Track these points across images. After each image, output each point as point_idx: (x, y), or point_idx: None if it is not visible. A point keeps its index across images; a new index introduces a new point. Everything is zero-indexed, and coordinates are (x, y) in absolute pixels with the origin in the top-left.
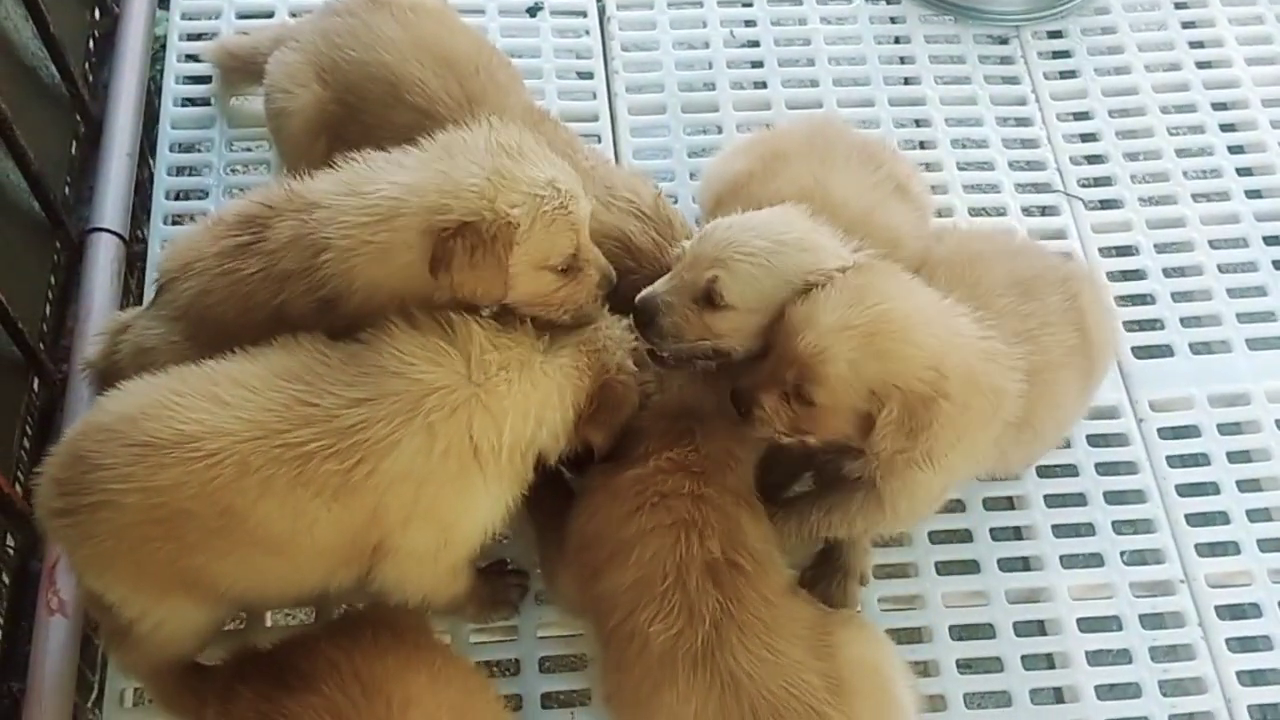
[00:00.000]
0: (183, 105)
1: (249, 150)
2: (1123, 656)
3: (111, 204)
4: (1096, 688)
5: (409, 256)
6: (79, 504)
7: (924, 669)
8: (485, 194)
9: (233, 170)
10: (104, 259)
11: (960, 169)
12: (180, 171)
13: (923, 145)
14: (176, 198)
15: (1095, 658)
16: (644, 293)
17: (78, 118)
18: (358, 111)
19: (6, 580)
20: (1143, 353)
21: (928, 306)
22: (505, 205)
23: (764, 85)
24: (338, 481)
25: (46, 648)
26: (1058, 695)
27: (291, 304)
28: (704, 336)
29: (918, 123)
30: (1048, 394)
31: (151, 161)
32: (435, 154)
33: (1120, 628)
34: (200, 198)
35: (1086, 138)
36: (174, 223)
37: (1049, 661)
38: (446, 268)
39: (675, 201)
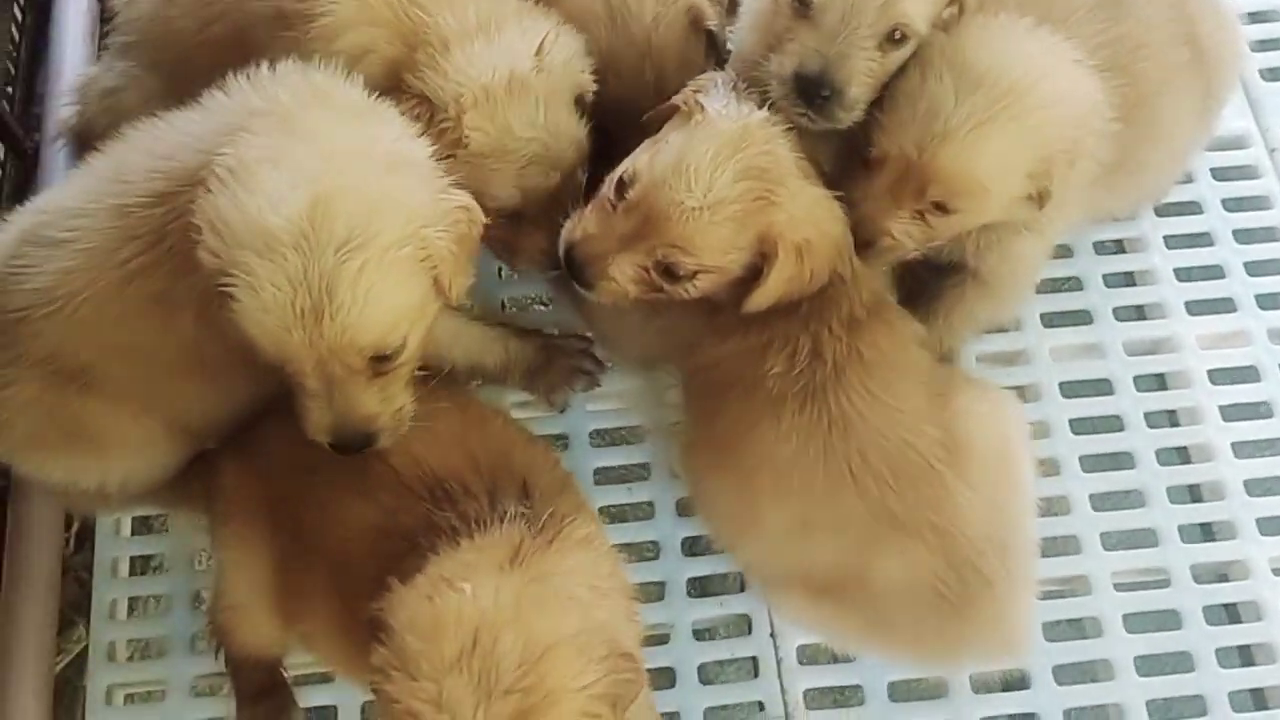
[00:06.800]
0: None
1: None
2: (1261, 410)
3: None
4: (1233, 445)
5: None
6: None
7: (1033, 430)
8: None
9: None
10: (73, 12)
11: None
12: None
13: None
14: None
15: (1228, 412)
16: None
17: None
18: None
19: None
20: (1272, 75)
21: (1045, 53)
22: None
23: None
24: (184, 296)
25: None
26: (1183, 455)
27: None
28: None
29: None
30: (1150, 127)
31: None
32: None
33: (1259, 378)
34: None
35: None
36: None
37: (1171, 419)
38: None
39: None
